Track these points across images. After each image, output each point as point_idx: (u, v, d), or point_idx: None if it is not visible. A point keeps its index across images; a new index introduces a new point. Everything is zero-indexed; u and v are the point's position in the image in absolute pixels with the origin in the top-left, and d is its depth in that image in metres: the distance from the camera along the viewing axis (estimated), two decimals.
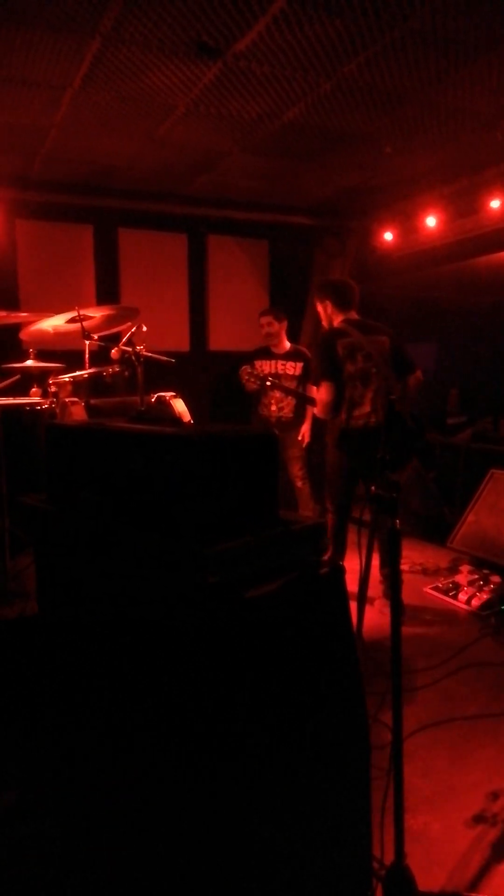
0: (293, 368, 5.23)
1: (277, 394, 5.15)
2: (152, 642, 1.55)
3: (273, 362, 5.25)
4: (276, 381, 4.91)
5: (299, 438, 5.16)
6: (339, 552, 3.95)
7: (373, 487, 1.75)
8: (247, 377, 4.42)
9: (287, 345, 5.32)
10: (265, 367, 5.23)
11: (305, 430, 5.18)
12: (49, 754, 2.11)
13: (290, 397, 5.13)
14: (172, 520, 1.46)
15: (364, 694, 1.64)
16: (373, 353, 3.78)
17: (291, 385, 5.14)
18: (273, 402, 5.20)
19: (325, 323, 4.07)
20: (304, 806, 1.56)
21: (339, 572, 1.57)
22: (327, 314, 4.02)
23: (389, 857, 1.79)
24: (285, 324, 5.31)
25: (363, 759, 1.66)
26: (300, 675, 1.53)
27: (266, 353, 5.31)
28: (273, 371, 5.20)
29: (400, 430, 1.97)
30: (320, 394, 3.88)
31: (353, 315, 3.95)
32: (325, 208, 6.19)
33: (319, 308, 4.05)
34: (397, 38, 3.14)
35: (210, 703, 1.41)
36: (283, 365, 5.24)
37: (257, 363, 5.22)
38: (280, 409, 5.20)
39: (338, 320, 3.93)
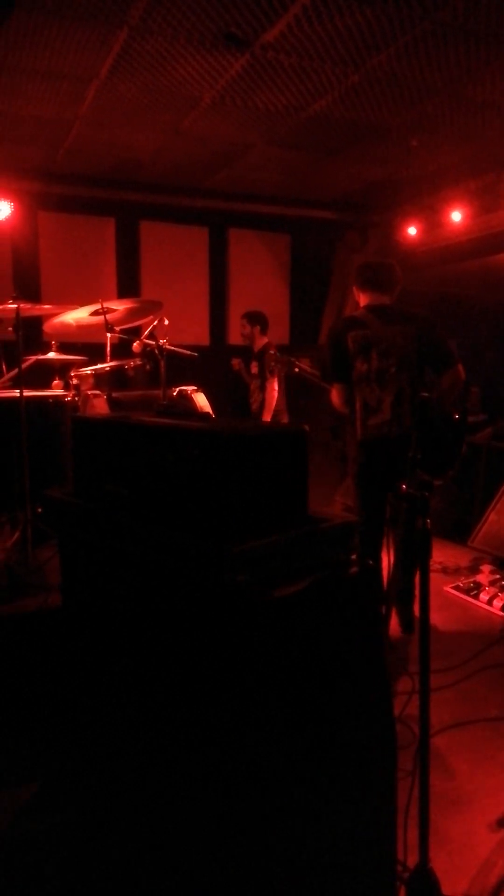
0: (256, 368, 5.53)
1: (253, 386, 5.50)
2: (177, 640, 1.54)
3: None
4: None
5: None
6: (370, 555, 3.78)
7: (403, 486, 1.71)
8: (274, 362, 4.31)
9: (259, 345, 5.56)
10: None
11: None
12: (70, 747, 2.12)
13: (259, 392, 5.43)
14: (200, 516, 1.44)
15: (392, 696, 1.62)
16: (392, 348, 3.13)
17: (257, 383, 5.44)
18: (254, 396, 5.52)
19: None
20: (330, 806, 1.54)
21: (370, 572, 1.55)
22: (355, 298, 3.48)
23: (412, 860, 1.77)
24: (258, 327, 5.55)
25: (389, 760, 1.64)
26: (328, 675, 1.51)
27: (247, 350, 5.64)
28: (254, 371, 5.53)
29: (436, 434, 1.79)
30: (332, 397, 3.36)
31: (383, 300, 3.29)
32: (348, 202, 6.14)
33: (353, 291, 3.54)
34: (427, 31, 3.09)
35: (236, 702, 1.40)
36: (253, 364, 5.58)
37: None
38: (255, 402, 5.51)
39: (361, 304, 3.36)
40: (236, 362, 5.68)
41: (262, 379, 5.38)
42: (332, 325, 3.55)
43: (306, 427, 1.55)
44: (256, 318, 5.53)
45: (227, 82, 3.65)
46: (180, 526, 1.48)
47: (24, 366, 3.46)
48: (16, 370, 3.04)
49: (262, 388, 5.37)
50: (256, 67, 3.48)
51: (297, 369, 4.12)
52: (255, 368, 5.50)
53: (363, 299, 3.34)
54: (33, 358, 3.70)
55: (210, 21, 3.03)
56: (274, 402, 5.35)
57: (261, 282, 6.65)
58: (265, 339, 5.50)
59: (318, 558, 1.51)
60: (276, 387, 5.32)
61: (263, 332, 5.52)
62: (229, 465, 1.39)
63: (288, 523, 1.48)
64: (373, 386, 3.15)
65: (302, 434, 1.54)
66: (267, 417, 5.31)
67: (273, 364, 4.44)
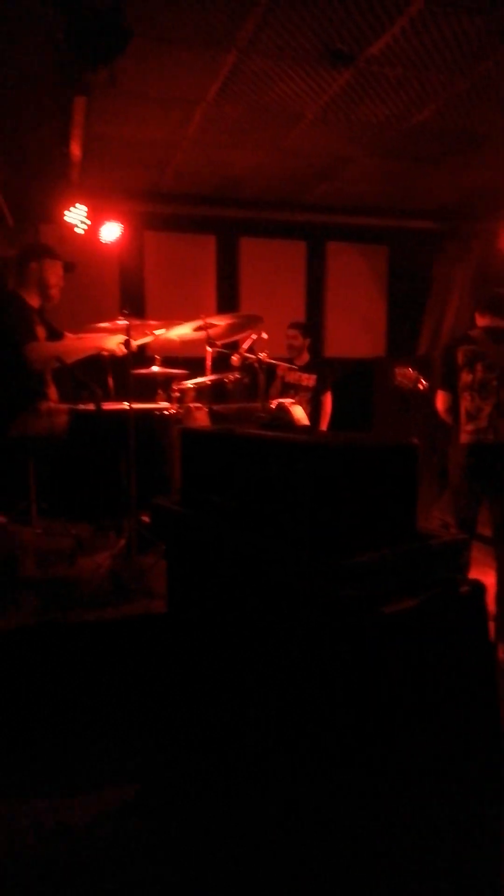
0: (308, 380, 5.35)
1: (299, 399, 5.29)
2: (283, 652, 1.54)
3: (296, 373, 5.43)
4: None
5: None
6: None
7: None
8: (400, 377, 4.28)
9: (306, 357, 5.41)
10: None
11: None
12: (172, 750, 2.16)
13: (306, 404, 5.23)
14: (308, 530, 1.44)
15: (500, 722, 1.56)
16: (496, 363, 3.45)
17: (306, 395, 5.25)
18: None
19: None
20: (433, 830, 1.50)
21: (480, 591, 1.50)
22: (474, 321, 3.79)
23: None
24: (308, 340, 5.41)
25: (499, 789, 1.58)
26: (435, 697, 1.47)
27: (290, 363, 5.45)
28: (296, 381, 5.37)
29: None
30: (437, 402, 3.74)
31: (498, 323, 3.62)
32: (448, 211, 6.01)
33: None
34: None
35: (341, 718, 1.39)
36: (299, 375, 5.39)
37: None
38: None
39: (479, 325, 3.68)
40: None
41: (318, 391, 5.32)
42: (447, 341, 4.00)
43: (416, 441, 1.53)
44: (308, 330, 5.46)
45: (331, 97, 3.68)
46: (287, 538, 1.49)
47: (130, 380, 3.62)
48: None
49: (314, 401, 5.27)
50: (360, 80, 3.49)
51: (421, 386, 4.17)
52: (306, 380, 5.38)
53: (482, 321, 3.66)
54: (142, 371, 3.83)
55: (316, 38, 3.07)
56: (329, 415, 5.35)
57: (358, 294, 6.61)
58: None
59: (428, 575, 1.47)
60: (330, 399, 5.35)
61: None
62: (339, 479, 1.39)
63: (396, 539, 1.46)
64: (474, 395, 3.49)
65: (413, 448, 1.51)
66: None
67: (401, 380, 4.34)
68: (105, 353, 3.59)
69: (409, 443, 1.53)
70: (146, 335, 3.86)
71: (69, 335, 3.81)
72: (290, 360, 5.46)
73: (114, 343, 3.57)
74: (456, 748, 1.51)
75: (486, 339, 3.55)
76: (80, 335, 3.61)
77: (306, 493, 1.45)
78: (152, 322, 3.66)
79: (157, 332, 3.84)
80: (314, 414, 5.30)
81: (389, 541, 1.44)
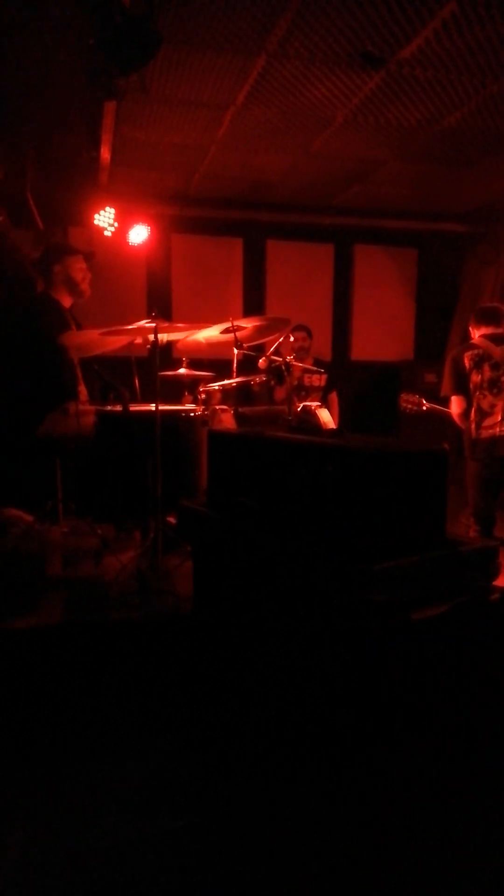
0: (318, 381, 5.37)
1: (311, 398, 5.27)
2: (310, 654, 1.54)
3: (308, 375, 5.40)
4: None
5: None
6: None
7: None
8: (405, 403, 4.36)
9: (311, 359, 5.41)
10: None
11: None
12: (192, 748, 2.16)
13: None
14: (339, 534, 1.44)
15: None
16: (502, 361, 3.75)
17: (316, 396, 5.29)
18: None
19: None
20: (456, 836, 1.48)
21: None
22: (469, 334, 4.13)
23: None
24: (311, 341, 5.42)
25: None
26: (462, 702, 1.45)
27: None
28: (308, 383, 5.38)
29: None
30: (452, 407, 3.99)
31: (494, 330, 3.92)
32: (479, 214, 5.94)
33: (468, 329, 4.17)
34: None
35: (368, 720, 1.38)
36: (309, 377, 5.39)
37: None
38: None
39: (476, 336, 3.98)
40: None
41: (326, 391, 5.37)
42: (453, 350, 4.14)
43: (447, 446, 1.51)
44: (310, 332, 5.49)
45: (361, 100, 3.66)
46: (317, 542, 1.49)
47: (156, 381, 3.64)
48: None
49: (323, 401, 5.28)
50: (391, 84, 3.47)
51: (424, 407, 4.22)
52: (316, 381, 5.40)
53: (477, 332, 3.97)
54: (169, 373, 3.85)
55: (347, 42, 3.06)
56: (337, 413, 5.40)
57: (385, 297, 6.56)
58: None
59: (457, 582, 1.46)
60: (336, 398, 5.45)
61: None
62: (370, 484, 1.38)
63: (426, 545, 1.45)
64: (486, 393, 3.78)
65: (443, 454, 1.50)
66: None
67: (405, 405, 4.38)
68: (136, 343, 3.62)
69: (440, 448, 1.52)
70: (178, 350, 3.89)
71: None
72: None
73: (144, 334, 3.58)
74: (482, 752, 1.49)
75: (488, 343, 3.85)
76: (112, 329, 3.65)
77: (338, 496, 1.44)
78: (179, 325, 3.67)
79: (186, 333, 3.86)
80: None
81: (419, 546, 1.43)
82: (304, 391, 5.36)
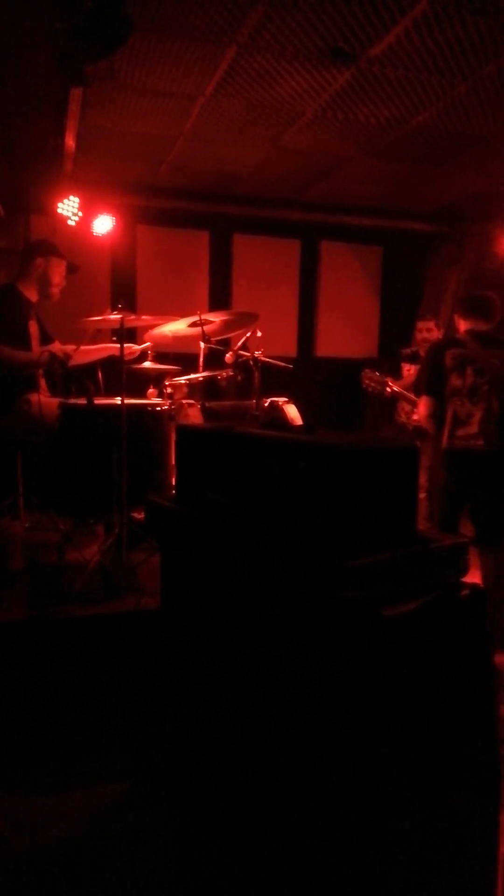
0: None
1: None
2: (279, 650, 1.53)
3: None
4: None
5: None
6: None
7: None
8: (367, 381, 4.26)
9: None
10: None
11: None
12: (164, 746, 2.15)
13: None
14: (310, 530, 1.44)
15: (497, 726, 1.56)
16: (487, 368, 3.39)
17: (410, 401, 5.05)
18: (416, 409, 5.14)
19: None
20: (428, 828, 1.49)
21: (480, 596, 1.50)
22: (455, 325, 3.78)
23: None
24: (442, 332, 5.22)
25: (493, 792, 1.58)
26: (435, 700, 1.46)
27: (416, 357, 5.16)
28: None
29: None
30: (419, 408, 3.65)
31: (482, 327, 3.56)
32: (444, 214, 6.03)
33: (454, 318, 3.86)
34: None
35: (340, 718, 1.38)
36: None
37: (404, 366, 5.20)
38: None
39: (462, 329, 3.64)
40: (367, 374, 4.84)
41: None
42: (433, 343, 3.81)
43: (418, 443, 1.52)
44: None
45: (331, 96, 3.66)
46: (288, 538, 1.48)
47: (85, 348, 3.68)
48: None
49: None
50: (361, 81, 3.47)
51: (388, 391, 4.16)
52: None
53: (463, 325, 3.61)
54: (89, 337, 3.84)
55: (318, 37, 3.05)
56: None
57: (351, 294, 6.61)
58: None
59: (428, 578, 1.47)
60: None
61: None
62: (342, 480, 1.38)
63: (398, 541, 1.46)
64: (464, 400, 3.42)
65: (415, 450, 1.51)
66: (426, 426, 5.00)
67: (368, 383, 4.30)
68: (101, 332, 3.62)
69: (411, 445, 1.53)
70: (144, 342, 3.87)
71: (58, 343, 3.80)
72: (417, 354, 5.19)
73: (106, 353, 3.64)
74: (452, 750, 1.51)
75: (474, 343, 3.47)
76: (72, 348, 3.62)
77: (309, 493, 1.44)
78: (146, 317, 3.63)
79: (154, 330, 3.83)
80: None
81: (391, 543, 1.43)
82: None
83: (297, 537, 1.46)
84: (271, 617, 1.55)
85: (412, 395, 3.99)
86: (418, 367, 4.85)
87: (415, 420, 5.01)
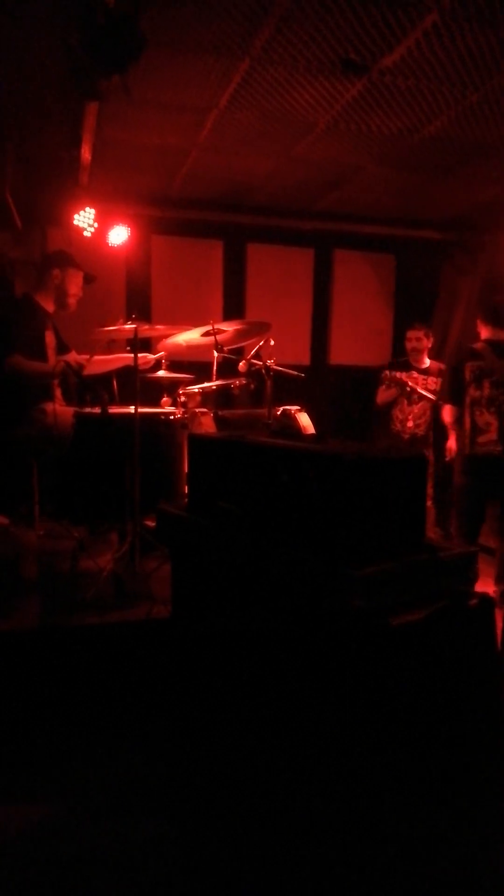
0: (434, 384, 5.14)
1: (416, 409, 5.13)
2: (290, 659, 1.54)
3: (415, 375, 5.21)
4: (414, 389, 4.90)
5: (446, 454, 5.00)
6: None
7: None
8: (388, 381, 4.44)
9: (427, 361, 5.30)
10: (404, 377, 5.15)
11: (451, 444, 5.03)
12: (172, 752, 2.16)
13: (427, 413, 5.10)
14: (319, 539, 1.44)
15: None
16: (503, 380, 3.65)
17: (430, 400, 5.08)
18: (411, 417, 5.15)
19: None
20: (437, 832, 1.49)
21: (489, 605, 1.50)
22: (477, 330, 3.98)
23: None
24: (432, 340, 5.34)
25: (500, 792, 1.57)
26: (441, 708, 1.46)
27: (406, 365, 5.27)
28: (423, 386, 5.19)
29: None
30: (443, 415, 3.94)
31: (501, 335, 3.76)
32: (457, 222, 6.02)
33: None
34: None
35: (348, 725, 1.38)
36: (424, 380, 5.19)
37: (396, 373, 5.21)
38: (417, 425, 5.14)
39: (482, 337, 3.83)
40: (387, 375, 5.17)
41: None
42: (455, 355, 4.03)
43: (427, 453, 1.53)
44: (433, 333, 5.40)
45: (343, 107, 3.68)
46: (298, 547, 1.49)
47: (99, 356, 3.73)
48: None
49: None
50: (373, 92, 3.49)
51: (409, 387, 4.28)
52: (433, 384, 5.15)
53: (484, 332, 3.82)
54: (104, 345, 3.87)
55: (330, 48, 3.07)
56: None
57: (364, 302, 6.61)
58: None
59: (437, 587, 1.47)
60: None
61: None
62: (352, 489, 1.39)
63: (406, 550, 1.46)
64: (483, 410, 3.69)
65: (423, 460, 1.52)
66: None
67: (386, 386, 4.44)
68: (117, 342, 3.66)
69: (420, 455, 1.54)
70: (158, 351, 3.91)
71: (74, 353, 3.84)
72: (408, 362, 5.34)
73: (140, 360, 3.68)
74: (460, 757, 1.51)
75: (491, 355, 3.70)
76: (90, 357, 3.67)
77: (319, 502, 1.45)
78: (159, 326, 3.67)
79: (168, 339, 3.87)
80: (435, 420, 5.17)
81: (399, 552, 1.44)
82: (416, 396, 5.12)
83: (306, 546, 1.47)
84: (280, 624, 1.56)
85: (432, 396, 4.30)
86: (408, 374, 5.09)
87: (410, 428, 5.12)
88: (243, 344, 4.25)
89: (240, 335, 4.07)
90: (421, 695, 1.41)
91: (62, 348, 3.87)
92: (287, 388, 4.32)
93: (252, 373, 3.94)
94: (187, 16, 2.84)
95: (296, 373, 3.90)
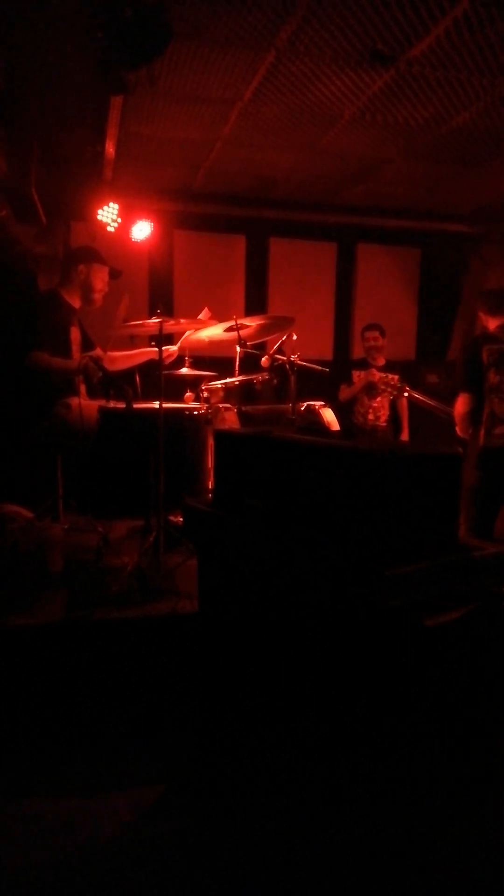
0: (394, 380, 5.21)
1: (375, 403, 5.28)
2: (319, 658, 1.52)
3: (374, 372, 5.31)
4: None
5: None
6: None
7: None
8: (383, 386, 4.39)
9: (383, 360, 5.42)
10: (362, 377, 5.32)
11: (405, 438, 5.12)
12: (198, 751, 2.15)
13: (385, 406, 5.29)
14: (351, 537, 1.42)
15: None
16: None
17: (387, 397, 5.25)
18: (371, 410, 5.31)
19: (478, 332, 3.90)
20: (454, 835, 1.47)
21: None
22: (482, 323, 3.80)
23: None
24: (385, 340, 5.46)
25: None
26: (475, 711, 1.44)
27: (365, 364, 5.40)
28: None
29: None
30: (457, 406, 3.62)
31: None
32: (484, 214, 5.93)
33: (479, 317, 3.89)
34: None
35: (378, 728, 1.36)
36: (384, 376, 5.27)
37: (354, 372, 5.37)
38: (377, 417, 5.31)
39: (492, 326, 3.61)
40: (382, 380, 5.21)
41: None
42: (469, 340, 3.90)
43: (461, 450, 1.49)
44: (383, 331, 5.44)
45: (369, 98, 3.64)
46: (329, 544, 1.47)
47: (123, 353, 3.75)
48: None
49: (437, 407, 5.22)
50: (400, 82, 3.44)
51: (406, 393, 4.23)
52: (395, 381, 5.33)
53: (493, 323, 3.60)
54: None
55: (357, 39, 3.03)
56: None
57: (387, 296, 6.54)
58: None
59: (471, 587, 1.44)
60: None
61: None
62: (383, 487, 1.36)
63: (440, 549, 1.43)
64: (503, 398, 3.41)
65: (457, 458, 1.48)
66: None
67: (382, 388, 4.40)
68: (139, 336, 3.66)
69: (453, 452, 1.50)
70: (175, 343, 3.91)
71: (99, 349, 3.85)
72: (366, 361, 5.46)
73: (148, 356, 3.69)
74: (492, 759, 1.48)
75: None
76: (115, 353, 3.69)
77: (350, 500, 1.42)
78: (183, 321, 3.66)
79: (189, 333, 3.85)
80: (394, 414, 5.45)
81: (433, 551, 1.41)
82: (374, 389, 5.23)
83: (336, 543, 1.45)
84: (309, 623, 1.54)
85: (432, 402, 4.08)
86: (366, 373, 5.14)
87: (371, 421, 5.21)
88: (266, 339, 4.23)
89: (263, 330, 4.04)
90: (454, 696, 1.39)
91: (88, 345, 3.87)
92: (310, 383, 4.29)
93: (275, 368, 3.92)
94: (213, 8, 2.82)
95: (320, 368, 3.87)
